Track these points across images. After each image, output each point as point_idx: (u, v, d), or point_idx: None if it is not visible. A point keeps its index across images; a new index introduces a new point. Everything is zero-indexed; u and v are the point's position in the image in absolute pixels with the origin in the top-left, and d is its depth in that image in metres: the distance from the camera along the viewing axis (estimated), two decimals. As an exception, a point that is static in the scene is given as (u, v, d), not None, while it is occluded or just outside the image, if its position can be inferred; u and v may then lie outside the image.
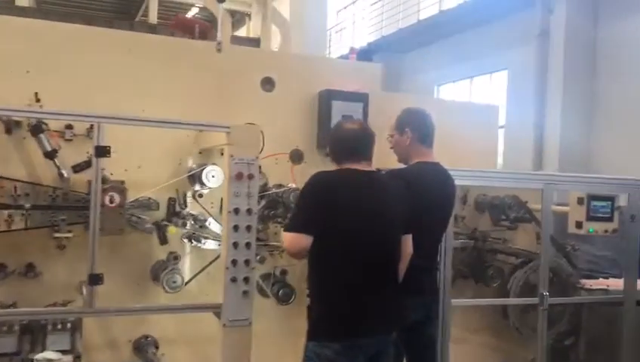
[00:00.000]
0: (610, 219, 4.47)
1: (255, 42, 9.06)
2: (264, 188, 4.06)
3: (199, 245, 3.78)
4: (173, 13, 14.26)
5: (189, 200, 3.86)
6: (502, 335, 4.79)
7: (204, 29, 4.19)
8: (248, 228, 3.30)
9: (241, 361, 3.30)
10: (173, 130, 3.74)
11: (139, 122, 3.30)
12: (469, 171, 3.98)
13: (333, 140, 3.06)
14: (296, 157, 4.30)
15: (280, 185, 4.09)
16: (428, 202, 3.35)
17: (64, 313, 3.25)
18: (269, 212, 4.02)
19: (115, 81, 3.81)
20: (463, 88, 13.92)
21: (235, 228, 3.27)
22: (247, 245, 3.29)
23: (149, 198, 3.70)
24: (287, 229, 2.84)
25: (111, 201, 3.30)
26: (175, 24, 4.32)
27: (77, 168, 3.54)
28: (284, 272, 3.95)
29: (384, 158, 3.77)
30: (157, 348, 3.82)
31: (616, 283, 4.62)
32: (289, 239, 2.79)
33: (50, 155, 3.42)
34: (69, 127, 3.61)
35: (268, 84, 4.19)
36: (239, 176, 3.27)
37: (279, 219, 4.01)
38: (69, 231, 3.41)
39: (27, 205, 3.30)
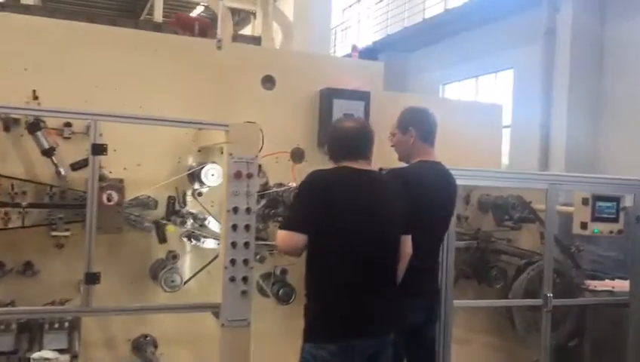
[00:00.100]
0: (615, 220, 4.42)
1: (258, 40, 9.05)
2: (265, 186, 4.03)
3: (198, 244, 3.75)
4: (178, 11, 14.27)
5: (188, 198, 3.83)
6: (505, 336, 4.74)
7: (204, 26, 4.16)
8: (247, 227, 3.27)
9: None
10: (172, 128, 3.72)
11: (136, 120, 3.26)
12: (473, 171, 3.95)
13: (331, 138, 3.03)
14: (297, 155, 4.26)
15: (281, 184, 4.05)
16: (429, 201, 3.31)
17: (61, 312, 3.23)
18: (270, 211, 3.99)
19: (114, 79, 3.79)
20: (469, 87, 13.86)
21: (234, 227, 3.24)
22: (246, 244, 3.26)
23: (148, 197, 3.67)
24: (282, 227, 2.81)
25: (109, 200, 3.27)
26: (175, 22, 4.29)
27: (75, 166, 3.52)
28: (284, 272, 3.91)
29: (386, 157, 3.75)
30: (156, 347, 3.79)
31: (622, 285, 4.57)
32: (282, 237, 2.76)
33: (48, 153, 3.40)
34: (68, 124, 3.58)
35: (268, 82, 4.16)
36: (238, 175, 3.24)
37: (280, 218, 3.96)
38: (67, 230, 3.39)
39: (24, 203, 3.27)
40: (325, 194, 2.74)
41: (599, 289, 4.54)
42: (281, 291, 3.84)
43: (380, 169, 4.31)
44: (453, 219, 3.77)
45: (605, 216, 4.40)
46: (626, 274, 4.57)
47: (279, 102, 4.23)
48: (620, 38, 9.78)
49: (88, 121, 3.26)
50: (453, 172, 3.65)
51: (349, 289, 2.77)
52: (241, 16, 18.62)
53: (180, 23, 4.26)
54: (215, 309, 3.25)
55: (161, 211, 3.77)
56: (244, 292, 3.25)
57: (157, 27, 9.52)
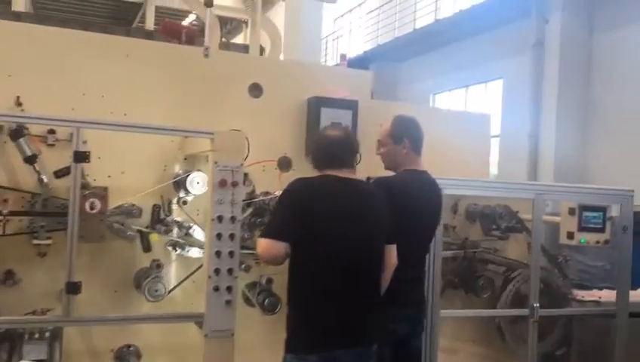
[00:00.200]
0: (602, 230, 4.41)
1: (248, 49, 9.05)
2: (251, 195, 4.00)
3: (183, 253, 3.71)
4: (170, 20, 14.27)
5: (174, 207, 3.80)
6: (493, 346, 4.72)
7: (191, 34, 4.14)
8: (232, 236, 3.24)
9: (224, 372, 3.23)
10: (157, 136, 3.69)
11: (120, 127, 3.23)
12: (460, 180, 3.94)
13: (315, 147, 3.02)
14: (285, 164, 4.23)
15: (267, 193, 4.02)
16: (416, 210, 3.31)
17: (40, 322, 3.17)
18: (256, 220, 3.95)
19: (101, 86, 3.75)
20: (459, 97, 13.93)
21: (219, 236, 3.21)
22: (231, 253, 3.23)
23: (133, 205, 3.63)
24: (263, 235, 2.78)
25: (91, 208, 3.23)
26: (162, 29, 4.27)
27: (59, 173, 3.48)
28: (269, 281, 3.87)
29: (375, 166, 3.74)
30: (139, 357, 3.73)
31: (609, 295, 4.56)
32: (263, 245, 2.74)
33: (30, 160, 3.36)
34: (52, 131, 3.53)
35: (256, 90, 4.14)
36: (223, 183, 3.21)
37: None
38: (49, 238, 3.34)
39: (5, 211, 3.22)
40: (307, 203, 2.73)
41: (586, 299, 4.52)
42: (266, 301, 3.80)
43: (368, 178, 4.32)
44: (440, 229, 3.76)
45: (592, 226, 4.39)
46: (613, 284, 4.56)
47: (267, 110, 4.20)
48: (608, 49, 9.88)
49: (72, 128, 3.23)
50: (440, 181, 3.65)
51: (331, 299, 2.74)
52: (232, 25, 18.67)
53: (167, 31, 4.24)
54: (198, 319, 3.21)
55: (145, 219, 3.73)
56: (228, 302, 3.21)
57: (149, 35, 9.52)
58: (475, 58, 12.55)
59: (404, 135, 3.39)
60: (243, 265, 3.76)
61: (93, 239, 3.32)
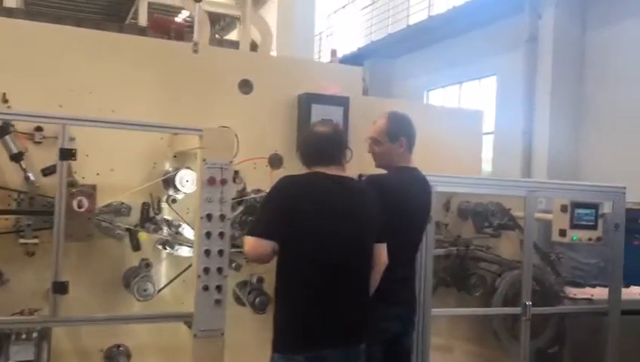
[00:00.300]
0: (594, 227, 4.40)
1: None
2: (242, 193, 3.97)
3: (172, 252, 3.67)
4: (159, 15, 14.17)
5: (163, 205, 3.76)
6: (487, 343, 4.70)
7: (180, 29, 4.09)
8: (221, 234, 3.20)
9: (214, 372, 3.20)
10: (146, 133, 3.64)
11: (107, 124, 3.19)
12: (451, 177, 3.92)
13: (303, 143, 3.00)
14: (275, 161, 4.20)
15: (258, 191, 3.98)
16: (408, 209, 3.29)
17: (26, 322, 3.12)
18: (247, 218, 3.92)
19: (89, 83, 3.71)
20: (453, 94, 13.91)
21: (208, 234, 3.17)
22: (220, 252, 3.19)
23: (122, 203, 3.59)
24: (249, 233, 2.75)
25: (79, 206, 3.19)
26: (151, 25, 4.22)
27: (46, 171, 3.43)
28: (260, 280, 3.83)
29: (366, 163, 3.71)
30: (129, 357, 3.70)
31: (602, 293, 4.55)
32: (249, 244, 2.71)
33: (16, 158, 3.31)
34: (39, 129, 3.49)
35: (246, 86, 4.10)
36: (212, 181, 3.17)
37: (257, 225, 3.91)
38: (36, 237, 3.29)
39: (-10, 209, 3.19)
40: (294, 201, 2.69)
41: (579, 297, 4.51)
42: (257, 300, 3.77)
43: (360, 175, 4.29)
44: (432, 226, 3.75)
45: (584, 223, 4.38)
46: (606, 281, 4.55)
47: (257, 106, 4.17)
48: (602, 45, 9.87)
49: (58, 125, 3.18)
50: (432, 178, 3.63)
51: (319, 298, 2.71)
52: (226, 22, 18.56)
53: (155, 26, 4.19)
54: (188, 319, 3.17)
55: (135, 218, 3.69)
56: (217, 302, 3.17)
57: (142, 31, 9.45)
58: (468, 54, 12.52)
59: (402, 133, 3.36)
60: (233, 264, 3.73)
61: (80, 238, 3.29)
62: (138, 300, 3.51)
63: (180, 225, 3.68)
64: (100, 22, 14.99)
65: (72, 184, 3.29)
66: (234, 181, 3.93)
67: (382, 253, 2.93)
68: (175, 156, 3.84)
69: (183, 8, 16.48)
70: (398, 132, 3.36)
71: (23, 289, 3.46)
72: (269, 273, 3.89)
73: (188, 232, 3.65)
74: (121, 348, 3.67)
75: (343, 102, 4.28)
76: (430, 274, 3.69)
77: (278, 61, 4.92)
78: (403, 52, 14.83)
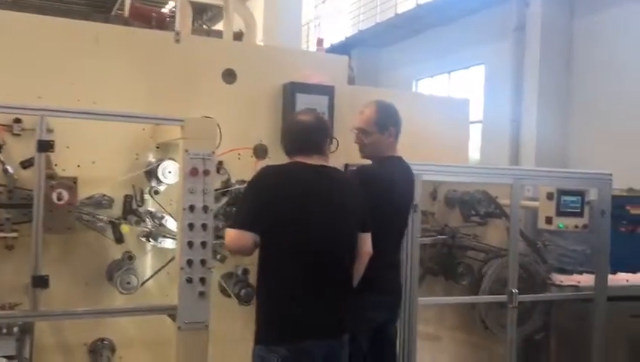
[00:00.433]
0: (580, 215, 4.40)
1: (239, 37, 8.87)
2: (226, 184, 3.93)
3: (156, 244, 3.63)
4: (150, 7, 14.02)
5: (146, 197, 3.71)
6: (475, 331, 4.71)
7: (161, 18, 4.03)
8: (204, 226, 3.15)
9: (198, 365, 3.16)
10: (128, 124, 3.57)
11: (86, 115, 3.13)
12: (437, 166, 3.90)
13: (284, 132, 2.95)
14: (260, 152, 4.15)
15: (243, 181, 3.91)
16: (395, 199, 3.30)
17: (5, 317, 3.06)
18: (232, 209, 3.87)
19: (69, 74, 3.64)
20: (441, 83, 13.90)
21: (190, 226, 3.12)
22: (203, 244, 3.14)
23: (104, 195, 3.54)
24: (230, 226, 2.72)
25: (59, 199, 3.13)
26: (131, 14, 4.15)
27: (25, 164, 3.36)
28: (245, 272, 3.80)
29: (352, 153, 3.68)
30: (114, 351, 3.66)
31: (588, 279, 4.56)
32: (231, 236, 2.68)
33: (-7, 151, 3.25)
34: (18, 120, 3.42)
35: (229, 76, 4.04)
36: (194, 172, 3.13)
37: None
38: (15, 231, 3.24)
39: (-33, 203, 3.13)
40: (274, 191, 2.66)
41: (565, 284, 4.52)
42: (242, 291, 3.73)
43: (346, 165, 4.27)
44: (418, 215, 3.73)
45: (570, 210, 4.37)
46: (593, 268, 4.56)
47: (241, 96, 4.11)
48: (589, 33, 9.87)
49: (37, 116, 3.12)
50: (417, 167, 3.63)
51: (299, 289, 2.69)
52: (214, 12, 18.40)
53: (136, 15, 4.12)
54: (171, 311, 3.13)
55: (118, 210, 3.64)
56: (201, 294, 3.13)
57: (127, 22, 9.34)
58: (456, 43, 12.51)
59: (390, 123, 3.35)
60: (218, 256, 3.70)
61: (61, 231, 3.23)
62: (121, 293, 3.48)
63: (163, 217, 3.63)
64: (86, 13, 14.81)
65: (51, 176, 3.23)
66: (218, 172, 3.89)
67: (366, 242, 2.91)
68: (158, 147, 3.78)
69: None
70: (386, 122, 3.34)
71: (2, 283, 3.39)
72: (254, 265, 3.83)
73: (171, 224, 3.60)
74: (105, 342, 3.63)
75: (328, 91, 4.24)
76: (416, 264, 3.67)
77: (262, 50, 4.87)
78: (391, 41, 14.79)
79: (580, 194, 4.40)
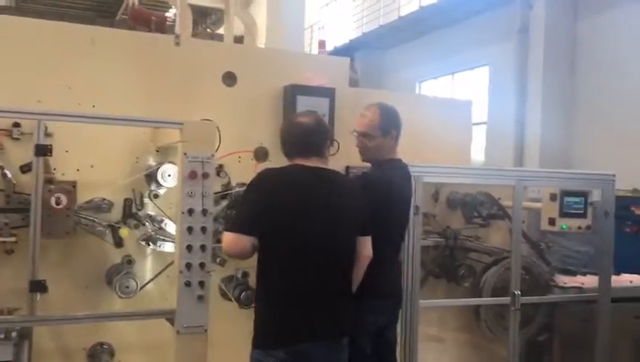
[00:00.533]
0: (583, 215, 4.36)
1: (240, 40, 8.86)
2: (227, 187, 3.92)
3: (155, 248, 3.62)
4: (156, 11, 14.04)
5: (146, 200, 3.70)
6: (478, 333, 4.67)
7: (161, 21, 4.02)
8: (203, 229, 3.13)
9: (197, 369, 3.15)
10: (128, 128, 3.58)
11: (83, 118, 3.11)
12: (438, 168, 3.87)
13: (283, 134, 2.92)
14: (261, 154, 4.13)
15: (243, 184, 3.88)
16: (394, 201, 3.28)
17: (2, 322, 3.05)
18: (232, 212, 3.86)
19: (68, 77, 3.64)
20: (445, 84, 13.86)
21: (189, 229, 3.10)
22: (202, 247, 3.12)
23: (103, 199, 3.53)
24: (227, 229, 2.70)
25: (57, 203, 3.12)
26: (131, 17, 4.15)
27: (25, 168, 3.35)
28: (245, 275, 3.78)
29: (353, 155, 3.66)
30: (113, 355, 3.65)
31: (593, 281, 4.52)
32: (229, 240, 2.65)
33: (-9, 155, 3.25)
34: (17, 125, 3.42)
35: (229, 78, 4.03)
36: (193, 175, 3.11)
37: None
38: (14, 235, 3.23)
39: (-35, 208, 3.12)
40: (273, 194, 2.64)
41: (569, 285, 4.48)
42: (242, 295, 3.72)
43: (347, 168, 4.25)
44: (419, 218, 3.71)
45: (573, 211, 4.34)
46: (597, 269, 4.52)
47: (241, 99, 4.10)
48: (593, 34, 9.83)
49: (36, 120, 3.12)
50: (418, 168, 3.61)
51: (298, 293, 2.66)
52: (217, 16, 18.44)
53: (135, 18, 4.12)
54: (170, 316, 3.11)
55: (118, 214, 3.63)
56: (200, 297, 3.11)
57: (132, 27, 9.37)
58: (460, 45, 12.48)
59: (392, 126, 3.33)
60: (218, 259, 3.68)
61: (59, 235, 3.22)
62: (120, 297, 3.46)
63: (162, 221, 3.62)
64: (90, 19, 14.85)
65: (50, 181, 3.23)
66: (218, 175, 3.89)
67: (366, 246, 2.87)
68: (158, 150, 3.78)
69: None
70: (389, 125, 3.32)
71: (2, 288, 3.39)
72: (254, 268, 3.80)
73: (171, 227, 3.59)
74: (104, 346, 3.62)
75: (328, 93, 4.23)
76: (418, 266, 3.64)
77: (262, 53, 4.86)
78: (394, 43, 14.78)
79: (583, 195, 4.37)
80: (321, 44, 5.03)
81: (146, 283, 3.63)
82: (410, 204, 3.45)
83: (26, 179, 3.37)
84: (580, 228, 4.37)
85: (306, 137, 2.80)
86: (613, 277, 4.46)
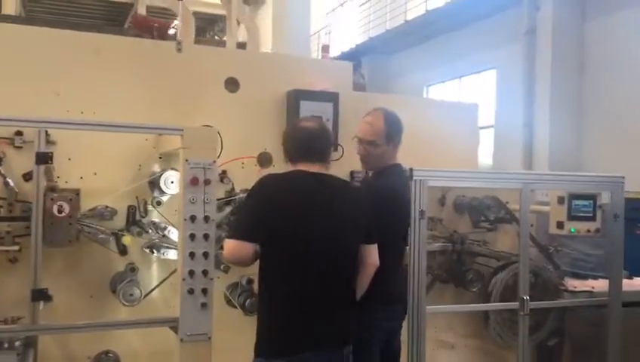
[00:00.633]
0: (592, 219, 4.29)
1: (242, 46, 8.87)
2: (230, 193, 3.91)
3: (159, 255, 3.60)
4: (163, 19, 14.09)
5: (149, 207, 3.69)
6: (487, 338, 4.62)
7: (163, 28, 4.02)
8: (206, 236, 3.10)
9: (201, 378, 3.12)
10: (130, 135, 3.57)
11: (83, 126, 3.10)
12: (443, 171, 3.80)
13: (287, 137, 2.88)
14: (265, 160, 4.11)
15: (247, 190, 3.84)
16: (400, 207, 3.26)
17: (6, 331, 3.02)
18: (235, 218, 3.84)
19: (71, 85, 3.64)
20: (452, 88, 13.81)
21: (192, 236, 3.07)
22: (205, 254, 3.09)
23: (106, 207, 3.52)
24: (229, 236, 2.67)
25: (59, 211, 3.11)
26: (133, 24, 4.15)
27: (27, 176, 3.35)
28: (250, 281, 3.75)
29: (356, 160, 3.62)
30: (118, 364, 3.63)
31: (604, 285, 4.44)
32: (229, 246, 2.62)
33: (-6, 163, 3.25)
34: (19, 133, 3.42)
35: (232, 84, 4.02)
36: (194, 182, 3.08)
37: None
38: (17, 244, 3.22)
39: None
40: (276, 201, 2.61)
41: (578, 290, 4.41)
42: (247, 302, 3.70)
43: (352, 173, 4.22)
44: (425, 222, 3.64)
45: (582, 214, 4.27)
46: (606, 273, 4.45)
47: (244, 104, 4.09)
48: (601, 35, 9.75)
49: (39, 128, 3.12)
50: (422, 173, 3.55)
51: (300, 300, 2.63)
52: (224, 23, 18.51)
53: (138, 25, 4.12)
54: (173, 324, 3.08)
55: (122, 222, 3.62)
56: (203, 305, 3.07)
57: (139, 34, 9.39)
58: (467, 48, 12.43)
59: (397, 134, 3.32)
60: (222, 266, 3.66)
61: (62, 244, 3.21)
62: (124, 305, 3.45)
63: (166, 228, 3.60)
64: (99, 26, 14.93)
65: (52, 189, 3.22)
66: (222, 181, 3.87)
67: (371, 254, 2.83)
68: (161, 157, 3.77)
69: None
70: (394, 133, 3.31)
71: (6, 296, 3.38)
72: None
73: (174, 235, 3.57)
74: (109, 354, 3.60)
75: (332, 98, 4.21)
76: (424, 271, 3.57)
77: (265, 58, 4.83)
78: (401, 48, 14.75)
79: (592, 198, 4.30)
80: (325, 48, 5.03)
81: (150, 291, 3.61)
82: (411, 208, 3.41)
83: (29, 187, 3.37)
84: (588, 231, 4.30)
85: (311, 142, 2.77)
86: (626, 281, 4.38)
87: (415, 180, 3.36)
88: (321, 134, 2.84)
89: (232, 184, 3.92)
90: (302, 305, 2.63)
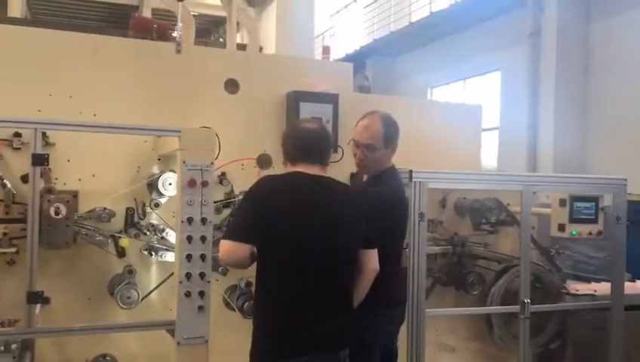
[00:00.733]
0: (594, 221, 4.25)
1: (243, 48, 8.88)
2: (230, 195, 3.89)
3: (157, 258, 3.58)
4: (168, 22, 14.11)
5: (148, 209, 3.67)
6: (489, 342, 4.59)
7: (163, 30, 4.01)
8: (203, 238, 3.08)
9: (198, 381, 3.09)
10: (129, 136, 3.57)
11: (81, 128, 3.09)
12: (443, 173, 3.79)
13: (287, 138, 2.85)
14: (264, 162, 4.09)
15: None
16: (399, 211, 3.24)
17: (1, 334, 3.02)
18: (235, 220, 3.83)
19: (69, 86, 3.63)
20: (457, 90, 13.77)
21: (189, 238, 3.05)
22: (202, 257, 3.07)
23: (104, 209, 3.51)
24: (225, 237, 2.64)
25: (56, 213, 3.10)
26: (132, 25, 4.14)
27: (25, 178, 3.34)
28: (249, 284, 3.73)
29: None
30: (115, 367, 3.62)
31: (605, 288, 4.41)
32: (225, 248, 2.59)
33: (-10, 165, 3.24)
34: (18, 134, 3.42)
35: (231, 85, 4.00)
36: (192, 183, 3.06)
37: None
38: (14, 246, 3.21)
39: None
40: (273, 203, 2.58)
41: (580, 293, 4.37)
42: (245, 304, 3.68)
43: (352, 174, 4.20)
44: (425, 225, 3.63)
45: (584, 216, 4.23)
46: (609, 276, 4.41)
47: (244, 106, 4.07)
48: (605, 37, 9.69)
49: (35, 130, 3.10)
50: (423, 174, 3.55)
51: (296, 304, 2.60)
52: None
53: (137, 27, 4.11)
54: (170, 327, 3.06)
55: (120, 224, 3.61)
56: (200, 308, 3.06)
57: (143, 36, 9.39)
58: (471, 50, 12.39)
59: (395, 137, 3.28)
60: (220, 269, 3.64)
61: (59, 246, 3.19)
62: (121, 308, 3.43)
63: (164, 230, 3.59)
64: (103, 29, 14.96)
65: (50, 190, 3.21)
66: (221, 183, 3.86)
67: (371, 259, 2.79)
68: (159, 159, 3.75)
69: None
70: (392, 136, 3.27)
71: (3, 299, 3.36)
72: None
73: (173, 237, 3.55)
74: (107, 358, 3.58)
75: (332, 99, 4.18)
76: (423, 274, 3.56)
77: (264, 59, 4.83)
78: (406, 50, 14.72)
79: (594, 200, 4.26)
80: (325, 50, 5.00)
81: (148, 294, 3.59)
82: (408, 210, 3.40)
83: (27, 189, 3.34)
84: (590, 233, 4.26)
85: (311, 143, 2.74)
86: (629, 284, 4.35)
87: (415, 182, 3.33)
88: (321, 135, 2.82)
89: (232, 186, 3.91)
90: (299, 308, 2.60)
